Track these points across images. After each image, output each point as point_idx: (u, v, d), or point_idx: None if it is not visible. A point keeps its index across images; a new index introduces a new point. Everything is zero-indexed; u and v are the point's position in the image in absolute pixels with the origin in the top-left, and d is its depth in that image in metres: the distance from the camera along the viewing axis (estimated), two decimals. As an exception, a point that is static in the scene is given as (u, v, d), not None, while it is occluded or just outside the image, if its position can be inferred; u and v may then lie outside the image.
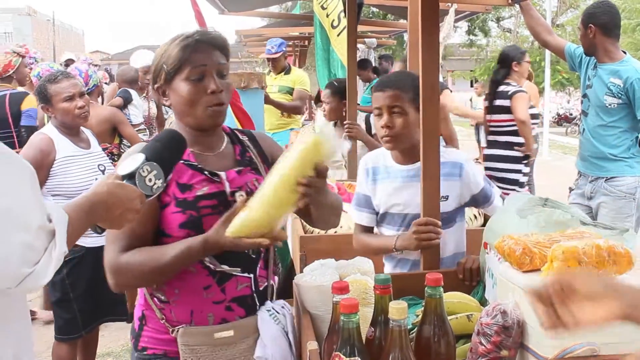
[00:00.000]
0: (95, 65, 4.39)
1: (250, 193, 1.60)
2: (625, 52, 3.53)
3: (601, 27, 3.45)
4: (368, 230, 2.20)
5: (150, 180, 1.36)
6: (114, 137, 4.25)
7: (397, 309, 1.15)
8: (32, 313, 4.56)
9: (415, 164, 2.07)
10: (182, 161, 1.54)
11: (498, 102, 4.77)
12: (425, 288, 1.27)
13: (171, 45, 1.60)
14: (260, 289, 1.66)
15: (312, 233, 2.81)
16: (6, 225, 1.09)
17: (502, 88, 4.75)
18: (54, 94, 3.02)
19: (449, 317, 1.31)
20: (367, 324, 1.30)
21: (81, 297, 2.96)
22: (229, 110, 3.61)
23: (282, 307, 1.70)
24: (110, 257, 1.51)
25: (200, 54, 1.58)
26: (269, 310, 1.65)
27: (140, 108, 5.86)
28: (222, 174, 1.62)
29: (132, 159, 1.38)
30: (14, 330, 1.25)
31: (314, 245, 2.57)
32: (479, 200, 2.14)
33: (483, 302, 1.66)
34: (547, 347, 1.17)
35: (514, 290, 1.29)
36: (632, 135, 3.46)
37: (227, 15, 6.41)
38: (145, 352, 1.64)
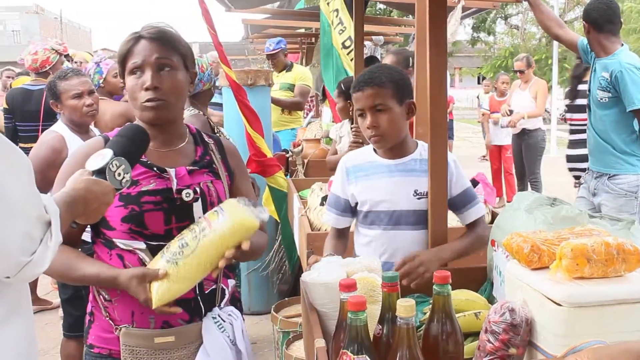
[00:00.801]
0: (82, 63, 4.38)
1: (199, 193, 1.63)
2: (622, 45, 3.51)
3: (592, 23, 3.48)
4: (339, 231, 2.17)
5: (119, 174, 1.41)
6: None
7: (405, 306, 1.14)
8: (49, 302, 4.63)
9: (403, 159, 2.02)
10: None
11: (579, 101, 4.66)
12: (433, 286, 1.27)
13: (123, 42, 1.64)
14: (206, 292, 1.65)
15: (319, 230, 2.81)
16: (9, 215, 1.11)
17: (583, 87, 4.66)
18: (63, 90, 3.04)
19: (456, 315, 1.31)
20: (375, 321, 1.30)
21: (91, 294, 2.97)
22: (236, 107, 3.64)
23: (229, 314, 1.67)
24: None
25: (139, 48, 1.60)
26: (214, 318, 1.63)
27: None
28: (171, 171, 1.62)
29: (101, 155, 1.41)
30: (16, 327, 1.25)
31: (321, 243, 2.55)
32: (461, 201, 2.03)
33: (491, 299, 1.66)
34: (555, 345, 1.16)
35: (522, 288, 1.29)
36: (629, 130, 3.44)
37: (234, 12, 6.40)
38: (92, 350, 1.66)
